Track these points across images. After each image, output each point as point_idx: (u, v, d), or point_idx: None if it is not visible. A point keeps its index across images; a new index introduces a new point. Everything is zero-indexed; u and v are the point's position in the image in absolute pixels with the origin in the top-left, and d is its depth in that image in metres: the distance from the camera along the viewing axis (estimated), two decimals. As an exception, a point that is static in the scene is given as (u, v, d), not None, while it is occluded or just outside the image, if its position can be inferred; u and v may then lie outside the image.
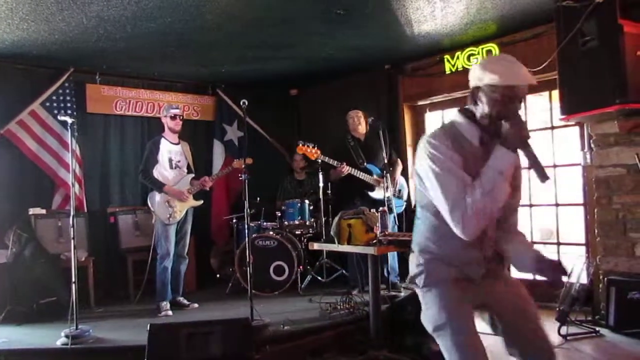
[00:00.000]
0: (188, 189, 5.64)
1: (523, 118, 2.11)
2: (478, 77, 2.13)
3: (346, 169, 5.68)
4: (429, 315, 2.26)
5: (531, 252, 2.24)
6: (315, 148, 5.73)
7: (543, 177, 2.03)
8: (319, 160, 6.06)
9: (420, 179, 2.23)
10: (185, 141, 5.92)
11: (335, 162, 5.70)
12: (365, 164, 5.83)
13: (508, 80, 2.04)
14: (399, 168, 6.14)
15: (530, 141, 2.06)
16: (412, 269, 2.35)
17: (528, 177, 5.74)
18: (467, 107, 2.24)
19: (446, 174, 2.06)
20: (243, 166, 4.89)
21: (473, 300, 2.26)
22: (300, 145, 5.75)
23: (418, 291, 2.34)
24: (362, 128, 6.02)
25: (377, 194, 5.74)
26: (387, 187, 5.52)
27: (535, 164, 2.04)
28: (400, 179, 6.11)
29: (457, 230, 2.06)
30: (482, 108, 2.13)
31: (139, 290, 5.97)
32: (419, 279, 2.30)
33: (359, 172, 5.73)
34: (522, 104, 2.14)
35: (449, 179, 2.06)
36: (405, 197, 6.14)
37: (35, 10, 4.51)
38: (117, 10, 4.61)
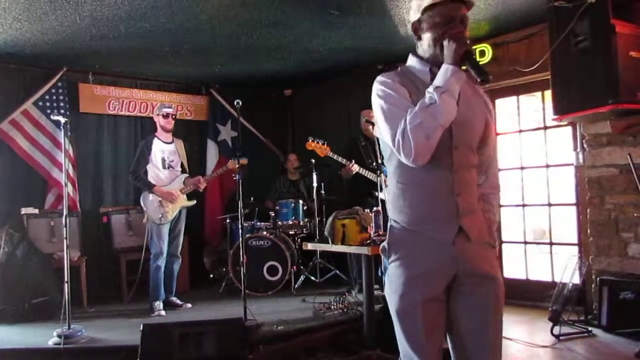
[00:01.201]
0: (181, 189, 5.62)
1: (467, 37, 1.99)
2: (416, 7, 2.07)
3: (355, 168, 5.64)
4: (387, 294, 2.08)
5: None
6: (326, 144, 5.66)
7: (480, 74, 1.90)
8: (312, 161, 6.06)
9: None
10: (180, 139, 5.90)
11: (345, 160, 5.67)
12: (374, 164, 5.78)
13: None
14: None
15: (472, 55, 1.96)
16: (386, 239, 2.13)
17: (521, 177, 5.82)
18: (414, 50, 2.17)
19: (391, 105, 1.98)
20: (237, 167, 4.90)
21: (439, 287, 1.99)
22: (310, 140, 5.64)
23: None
24: (372, 131, 5.91)
25: (384, 194, 5.68)
26: (380, 189, 5.50)
27: (474, 66, 1.93)
28: None
29: (402, 157, 1.92)
30: (425, 38, 2.05)
31: (132, 290, 5.95)
32: (386, 252, 2.10)
33: (367, 171, 5.69)
34: (465, 28, 2.02)
35: (394, 109, 1.97)
36: None
37: (28, 9, 4.50)
38: (110, 10, 4.60)
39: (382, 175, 5.49)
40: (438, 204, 1.99)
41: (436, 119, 1.85)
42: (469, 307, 2.01)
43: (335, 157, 5.68)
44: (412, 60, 2.14)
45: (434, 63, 2.04)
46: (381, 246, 2.14)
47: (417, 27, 2.09)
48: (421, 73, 2.08)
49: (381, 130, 2.03)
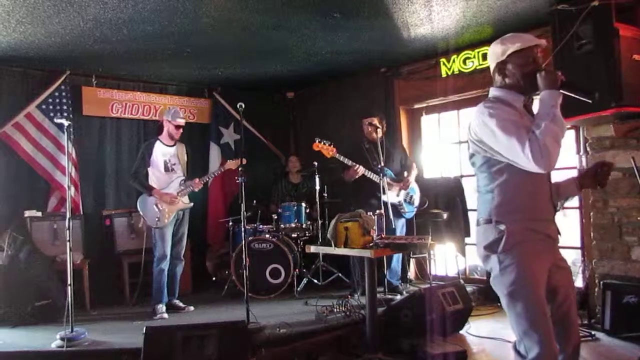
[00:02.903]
0: (178, 191, 5.60)
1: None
2: (500, 52, 2.50)
3: (361, 170, 5.61)
4: (506, 279, 2.38)
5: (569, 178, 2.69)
6: (332, 145, 5.60)
7: (589, 96, 2.40)
8: (315, 164, 6.04)
9: (480, 145, 2.45)
10: (182, 143, 5.88)
11: (350, 162, 5.62)
12: (379, 166, 5.71)
13: (528, 43, 2.46)
14: (414, 172, 5.99)
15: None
16: (488, 237, 2.45)
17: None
18: (497, 85, 2.57)
19: (510, 123, 2.32)
20: (238, 167, 4.90)
21: (547, 265, 2.43)
22: (317, 142, 5.59)
23: (493, 257, 2.43)
24: (376, 135, 5.81)
25: (388, 197, 5.62)
26: (383, 191, 5.48)
27: (577, 91, 2.41)
28: (413, 184, 5.96)
29: (534, 166, 2.23)
30: (513, 76, 2.49)
31: (135, 292, 5.96)
32: (498, 244, 2.40)
33: (372, 174, 5.65)
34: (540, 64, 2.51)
35: (513, 127, 2.31)
36: (416, 202, 5.97)
37: (32, 13, 4.51)
38: (114, 13, 4.61)
39: (384, 178, 5.48)
40: (541, 204, 2.54)
41: (562, 129, 2.30)
42: (564, 279, 2.51)
43: (341, 158, 5.62)
44: (499, 92, 2.55)
45: (522, 92, 2.50)
46: (487, 244, 2.46)
47: (502, 67, 2.53)
48: (513, 100, 2.48)
49: (501, 147, 2.36)
